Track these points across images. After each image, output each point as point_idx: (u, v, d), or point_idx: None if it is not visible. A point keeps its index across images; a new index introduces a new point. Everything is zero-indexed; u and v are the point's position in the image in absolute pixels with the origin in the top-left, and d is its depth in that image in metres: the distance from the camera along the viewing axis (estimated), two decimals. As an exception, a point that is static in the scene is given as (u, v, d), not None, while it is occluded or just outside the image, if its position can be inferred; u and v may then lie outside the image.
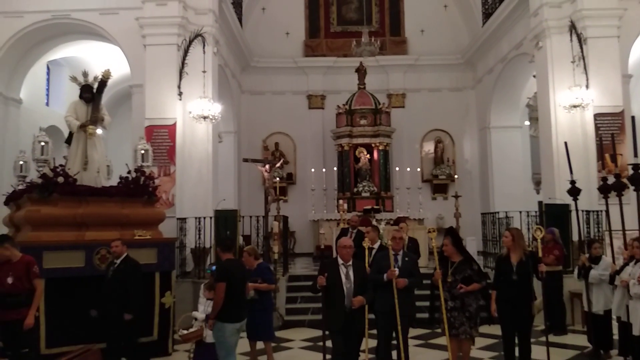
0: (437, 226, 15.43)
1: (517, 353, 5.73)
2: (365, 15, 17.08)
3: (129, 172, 7.76)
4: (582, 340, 7.51)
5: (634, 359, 5.94)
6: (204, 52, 10.98)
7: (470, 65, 16.97)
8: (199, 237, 9.73)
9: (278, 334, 8.63)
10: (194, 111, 10.77)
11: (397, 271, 5.68)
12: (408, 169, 15.89)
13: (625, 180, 6.16)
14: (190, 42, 10.94)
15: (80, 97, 7.78)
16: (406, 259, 5.90)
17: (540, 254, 5.94)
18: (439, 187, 17.02)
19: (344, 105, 15.73)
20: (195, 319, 5.86)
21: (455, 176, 16.07)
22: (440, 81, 17.21)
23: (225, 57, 13.50)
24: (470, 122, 17.10)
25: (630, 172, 5.73)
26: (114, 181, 8.08)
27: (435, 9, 17.37)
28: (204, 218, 9.74)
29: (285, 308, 9.57)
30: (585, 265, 6.99)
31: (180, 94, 10.81)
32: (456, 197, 13.80)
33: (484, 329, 6.52)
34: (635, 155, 5.27)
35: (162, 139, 10.63)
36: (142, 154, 8.32)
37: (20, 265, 5.45)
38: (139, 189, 7.65)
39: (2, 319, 5.39)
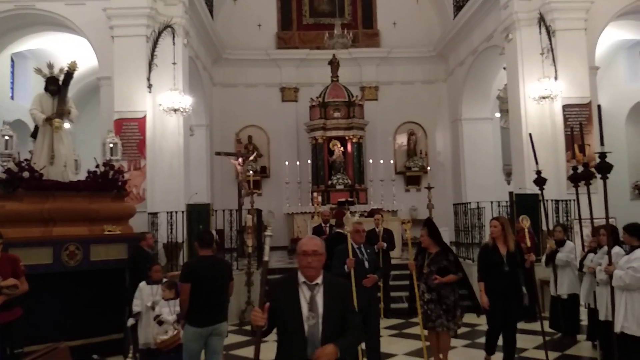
0: (410, 217, 15.57)
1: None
2: (337, 8, 17.02)
3: (97, 166, 7.59)
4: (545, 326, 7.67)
5: (600, 343, 6.08)
6: (174, 43, 10.78)
7: (442, 58, 17.09)
8: (171, 232, 9.59)
9: (253, 327, 8.62)
10: (164, 104, 10.59)
11: (353, 262, 5.48)
12: (381, 162, 15.95)
13: (592, 170, 6.27)
14: (160, 33, 10.73)
15: (46, 89, 7.54)
16: (368, 251, 5.72)
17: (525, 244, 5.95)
18: (412, 179, 17.14)
19: (317, 98, 15.68)
20: (162, 322, 5.49)
21: (428, 168, 16.19)
22: (412, 74, 17.29)
23: (196, 49, 13.30)
24: (442, 114, 17.25)
25: (598, 161, 5.85)
26: (82, 176, 7.89)
27: (407, 1, 17.40)
28: (176, 212, 9.60)
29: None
30: (552, 249, 7.17)
31: (149, 86, 10.61)
32: (429, 188, 13.91)
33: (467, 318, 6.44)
34: (602, 144, 5.36)
35: (131, 132, 10.43)
36: (111, 148, 8.16)
37: (5, 263, 5.15)
38: (107, 183, 7.48)
39: None
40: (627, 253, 5.21)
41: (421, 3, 17.45)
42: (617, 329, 4.95)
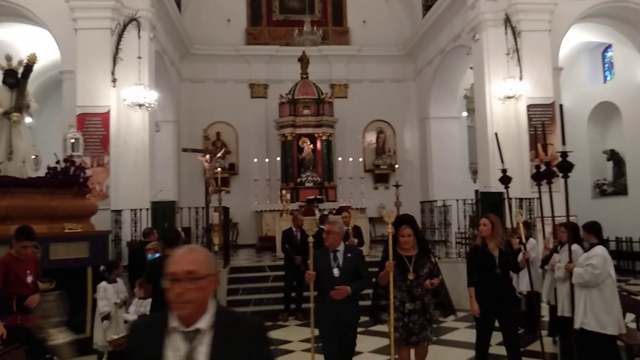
0: (378, 215, 15.66)
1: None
2: (307, 5, 16.96)
3: (57, 162, 7.37)
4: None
5: (560, 338, 6.22)
6: (140, 37, 10.56)
7: (411, 57, 17.23)
8: (136, 230, 9.41)
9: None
10: (128, 99, 10.36)
11: (313, 277, 4.69)
12: (351, 159, 16.00)
13: (554, 169, 6.39)
14: (125, 26, 10.49)
15: (4, 82, 7.30)
16: (349, 255, 4.77)
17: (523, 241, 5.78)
18: (381, 177, 17.24)
19: (287, 94, 15.61)
20: (126, 321, 5.46)
21: (396, 166, 16.31)
22: (382, 72, 17.38)
23: (163, 44, 13.06)
24: (410, 113, 17.40)
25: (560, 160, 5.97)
26: (42, 172, 7.67)
27: (377, 0, 17.48)
28: (141, 210, 9.42)
29: (227, 300, 9.44)
30: (516, 249, 7.28)
31: (114, 80, 10.37)
32: (397, 186, 14.02)
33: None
34: (563, 143, 5.47)
35: (95, 127, 10.17)
36: (73, 143, 7.99)
37: (33, 263, 4.89)
38: (68, 179, 7.30)
39: (25, 325, 4.82)
40: (586, 251, 5.33)
41: (391, 2, 17.53)
42: (577, 325, 5.05)
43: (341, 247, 4.76)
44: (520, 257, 5.40)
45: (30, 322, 4.73)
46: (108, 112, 10.26)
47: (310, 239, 4.90)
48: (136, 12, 10.54)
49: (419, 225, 5.03)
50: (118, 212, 9.70)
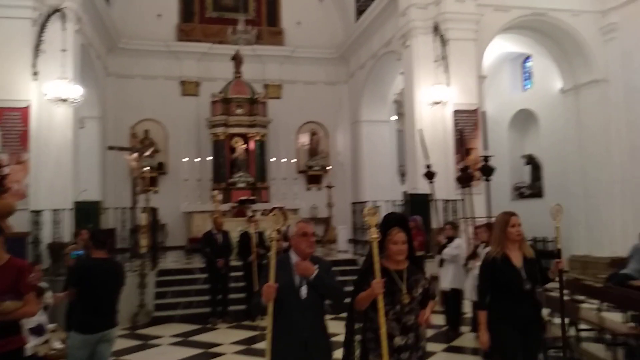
0: (311, 216, 15.80)
1: None
2: (241, 3, 16.81)
3: (-30, 159, 6.89)
4: (440, 319, 8.12)
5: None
6: (64, 29, 10.05)
7: (344, 60, 17.49)
8: (57, 232, 8.95)
9: (146, 330, 8.31)
10: (51, 93, 9.83)
11: (274, 289, 3.24)
12: (284, 160, 16.02)
13: (474, 172, 6.73)
14: (48, 17, 9.97)
15: None
16: (316, 267, 3.40)
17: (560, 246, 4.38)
18: (314, 178, 17.37)
19: (219, 93, 15.40)
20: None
21: (329, 167, 16.55)
22: (315, 74, 17.52)
23: (89, 37, 12.50)
24: (343, 115, 17.66)
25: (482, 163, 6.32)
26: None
27: (311, 2, 17.60)
28: (63, 210, 8.97)
29: (154, 303, 9.18)
30: (442, 244, 7.59)
31: (35, 73, 9.81)
32: (329, 187, 14.23)
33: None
34: (485, 148, 5.77)
35: (13, 123, 9.59)
36: (-13, 139, 7.43)
37: (8, 272, 3.64)
38: (-18, 178, 6.83)
39: None
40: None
41: (325, 5, 17.72)
42: (477, 307, 5.28)
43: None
44: (552, 265, 4.11)
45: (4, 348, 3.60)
46: (28, 107, 9.70)
47: (274, 235, 3.38)
48: (61, 2, 10.04)
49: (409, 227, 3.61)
50: (38, 212, 9.19)
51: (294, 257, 3.42)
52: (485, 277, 4.04)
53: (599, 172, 12.32)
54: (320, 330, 3.45)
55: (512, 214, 4.00)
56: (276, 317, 3.26)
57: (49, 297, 5.95)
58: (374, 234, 3.26)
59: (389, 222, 3.47)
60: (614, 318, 6.68)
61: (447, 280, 7.54)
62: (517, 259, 3.93)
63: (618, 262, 10.29)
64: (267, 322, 3.28)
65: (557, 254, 4.23)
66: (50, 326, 5.02)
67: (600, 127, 12.34)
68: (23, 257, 7.07)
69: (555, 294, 7.68)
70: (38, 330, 5.00)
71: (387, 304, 3.31)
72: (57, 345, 4.99)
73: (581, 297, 7.70)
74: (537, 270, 3.96)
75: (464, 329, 7.60)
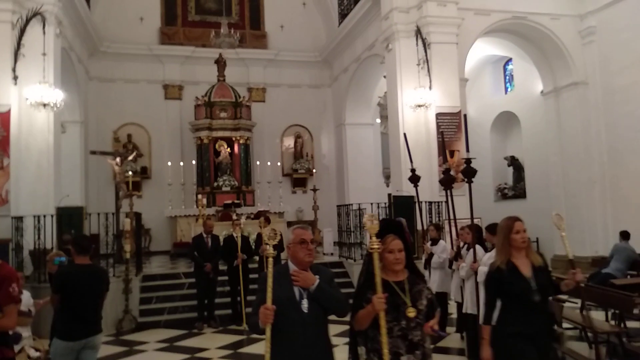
0: (296, 219, 15.80)
1: None
2: (224, 6, 16.78)
3: (-52, 165, 6.78)
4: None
5: (467, 334, 6.60)
6: (44, 32, 9.93)
7: (327, 64, 17.55)
8: (39, 238, 8.83)
9: (131, 336, 8.23)
10: (31, 97, 9.70)
11: (272, 310, 2.89)
12: (269, 163, 16.01)
13: (454, 174, 6.77)
14: (28, 20, 9.85)
15: None
16: (317, 277, 3.11)
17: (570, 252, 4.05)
18: (299, 181, 17.39)
19: (203, 96, 15.35)
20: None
21: (314, 170, 16.58)
22: (299, 77, 17.55)
23: (70, 40, 12.37)
24: (327, 118, 17.72)
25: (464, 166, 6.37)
26: None
27: (295, 5, 17.65)
28: (44, 216, 8.86)
29: (139, 309, 9.10)
30: (429, 253, 7.66)
31: (15, 77, 9.69)
32: (314, 190, 14.25)
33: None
34: (467, 150, 5.84)
35: (-7, 127, 9.44)
36: (-34, 145, 7.32)
37: None
38: (-39, 184, 6.72)
39: None
40: (488, 251, 5.70)
41: (308, 9, 17.77)
42: (482, 321, 5.34)
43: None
44: (568, 276, 3.70)
45: None
46: (8, 112, 9.56)
47: (270, 252, 3.06)
48: (41, 5, 9.93)
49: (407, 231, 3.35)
50: (19, 218, 9.06)
51: (292, 268, 3.10)
52: (490, 290, 3.69)
53: (579, 173, 12.53)
54: (324, 348, 3.11)
55: (515, 219, 3.65)
56: (275, 334, 2.92)
57: (30, 304, 5.89)
58: (374, 244, 2.96)
59: (382, 230, 3.12)
60: (597, 317, 6.80)
61: (434, 284, 7.57)
62: (525, 268, 3.57)
63: (599, 262, 10.50)
64: (264, 345, 2.94)
65: (571, 264, 3.86)
66: (25, 334, 4.90)
67: (580, 128, 12.55)
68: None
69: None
70: (14, 339, 4.93)
71: (390, 320, 3.00)
72: (33, 353, 4.89)
73: (564, 297, 7.81)
74: (547, 279, 3.61)
75: (449, 329, 7.66)
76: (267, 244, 3.05)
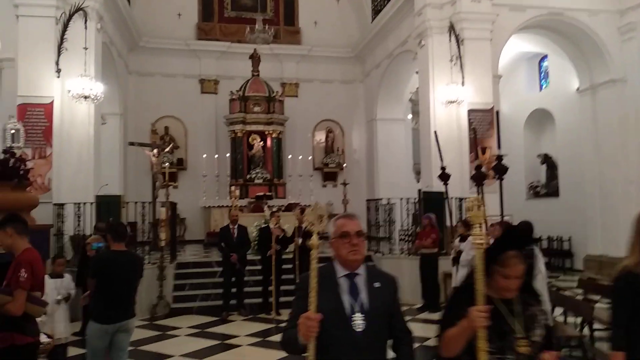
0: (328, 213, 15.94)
1: None
2: (259, 3, 17.00)
3: (-3, 153, 7.18)
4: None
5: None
6: (86, 27, 10.32)
7: (360, 59, 17.59)
8: (79, 224, 9.23)
9: (164, 321, 8.53)
10: (73, 90, 10.11)
11: (317, 321, 2.20)
12: (300, 157, 16.19)
13: (485, 171, 6.80)
14: (71, 16, 10.24)
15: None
16: (376, 285, 2.44)
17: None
18: (329, 175, 17.53)
19: (237, 91, 15.63)
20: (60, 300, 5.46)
21: (344, 165, 16.69)
22: (331, 73, 17.66)
23: (111, 35, 12.80)
24: (359, 113, 17.78)
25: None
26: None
27: (328, 2, 17.75)
28: (84, 204, 9.25)
29: (173, 295, 9.42)
30: (457, 251, 7.70)
31: (58, 70, 10.11)
32: (344, 184, 14.38)
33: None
34: (499, 147, 5.85)
35: (37, 118, 9.87)
36: (13, 134, 7.74)
37: (14, 264, 3.53)
38: (8, 171, 7.12)
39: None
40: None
41: (342, 5, 17.84)
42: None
43: (362, 270, 2.46)
44: None
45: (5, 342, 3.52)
46: (51, 103, 9.99)
47: (315, 241, 2.35)
48: (83, 1, 10.31)
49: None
50: (60, 205, 9.48)
51: (339, 270, 2.42)
52: (622, 303, 2.84)
53: (615, 172, 12.25)
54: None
55: None
56: (322, 352, 2.22)
57: (71, 288, 6.19)
58: (479, 238, 2.23)
59: (507, 243, 2.38)
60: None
61: (459, 278, 7.62)
62: None
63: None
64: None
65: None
66: (38, 319, 5.07)
67: (617, 126, 12.26)
68: (46, 249, 7.35)
69: (570, 293, 7.75)
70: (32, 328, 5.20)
71: (494, 351, 2.23)
72: (43, 339, 5.03)
73: (596, 297, 7.71)
74: None
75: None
76: (308, 231, 2.66)
